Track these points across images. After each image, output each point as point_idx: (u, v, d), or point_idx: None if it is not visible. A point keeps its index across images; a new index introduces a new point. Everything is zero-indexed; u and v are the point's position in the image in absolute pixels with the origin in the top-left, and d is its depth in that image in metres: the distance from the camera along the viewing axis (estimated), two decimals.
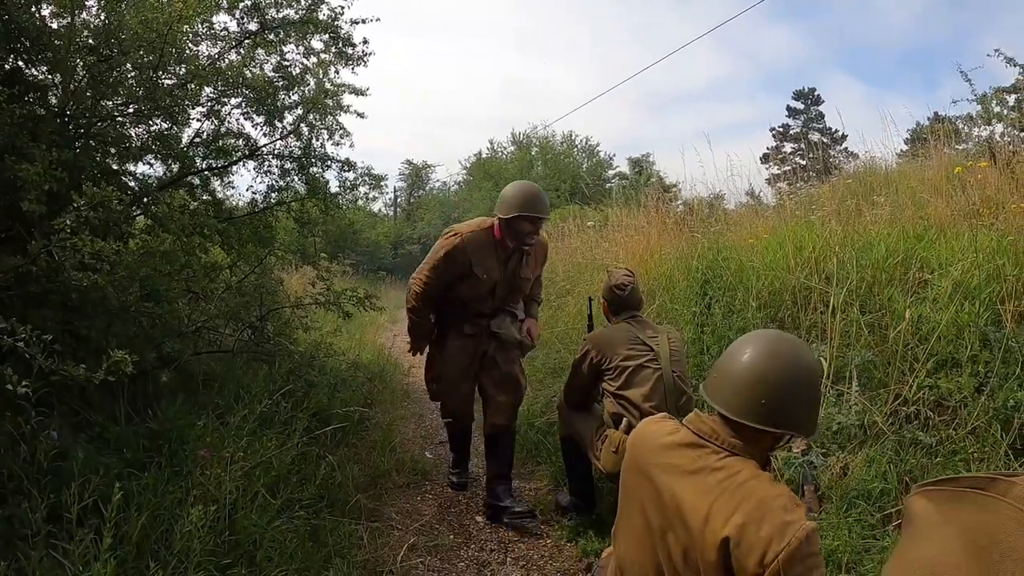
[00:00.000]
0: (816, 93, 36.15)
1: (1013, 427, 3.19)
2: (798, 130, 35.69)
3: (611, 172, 27.76)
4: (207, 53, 4.88)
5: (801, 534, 1.36)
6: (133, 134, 4.35)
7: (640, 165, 24.54)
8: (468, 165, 29.91)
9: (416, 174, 38.65)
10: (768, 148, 34.02)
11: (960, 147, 6.91)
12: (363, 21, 5.56)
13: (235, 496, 2.76)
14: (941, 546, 0.52)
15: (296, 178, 5.66)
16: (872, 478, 3.26)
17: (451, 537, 3.59)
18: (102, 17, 3.93)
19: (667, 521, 1.51)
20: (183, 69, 4.34)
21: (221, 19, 4.95)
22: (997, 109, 8.75)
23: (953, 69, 8.82)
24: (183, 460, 2.87)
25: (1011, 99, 9.32)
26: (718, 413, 1.59)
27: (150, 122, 4.41)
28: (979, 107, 8.85)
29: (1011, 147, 5.67)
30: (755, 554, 1.36)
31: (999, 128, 8.23)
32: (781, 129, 35.61)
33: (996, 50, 7.88)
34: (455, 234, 3.69)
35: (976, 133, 8.31)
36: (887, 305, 4.16)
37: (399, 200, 39.23)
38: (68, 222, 2.73)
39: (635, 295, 3.42)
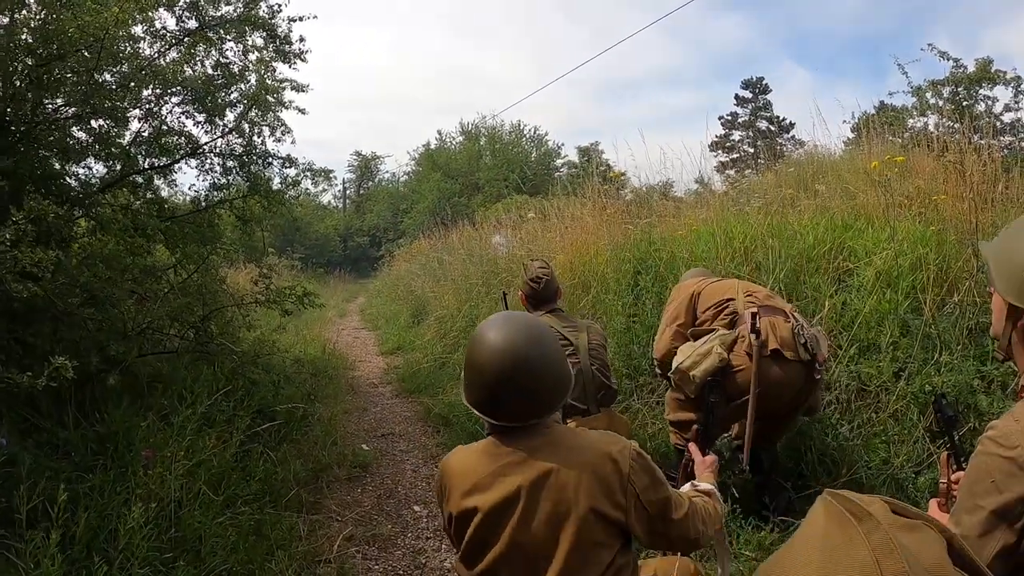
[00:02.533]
0: (764, 82, 36.85)
1: (929, 410, 3.45)
2: (746, 118, 36.37)
3: (560, 161, 28.05)
4: (147, 52, 4.94)
5: None
6: (74, 135, 4.41)
7: (589, 154, 24.80)
8: (417, 156, 29.77)
9: (365, 165, 38.40)
10: (717, 136, 34.70)
11: (897, 139, 7.22)
12: (300, 19, 5.68)
13: (179, 494, 2.93)
14: (806, 559, 0.61)
15: (238, 176, 5.75)
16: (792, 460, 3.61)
17: (389, 527, 3.79)
18: (40, 16, 3.96)
19: None
20: (124, 67, 4.41)
21: (160, 14, 5.01)
22: (932, 100, 9.23)
23: (901, 58, 9.26)
24: (129, 461, 3.02)
25: (946, 91, 9.83)
26: None
27: (91, 123, 4.46)
28: (915, 99, 9.35)
29: (945, 138, 5.96)
30: None
31: (933, 120, 8.71)
32: (729, 117, 36.26)
33: (929, 44, 8.33)
34: None
35: (912, 124, 8.78)
36: (812, 294, 4.41)
37: (348, 192, 38.99)
38: (8, 235, 2.85)
39: (551, 288, 3.43)
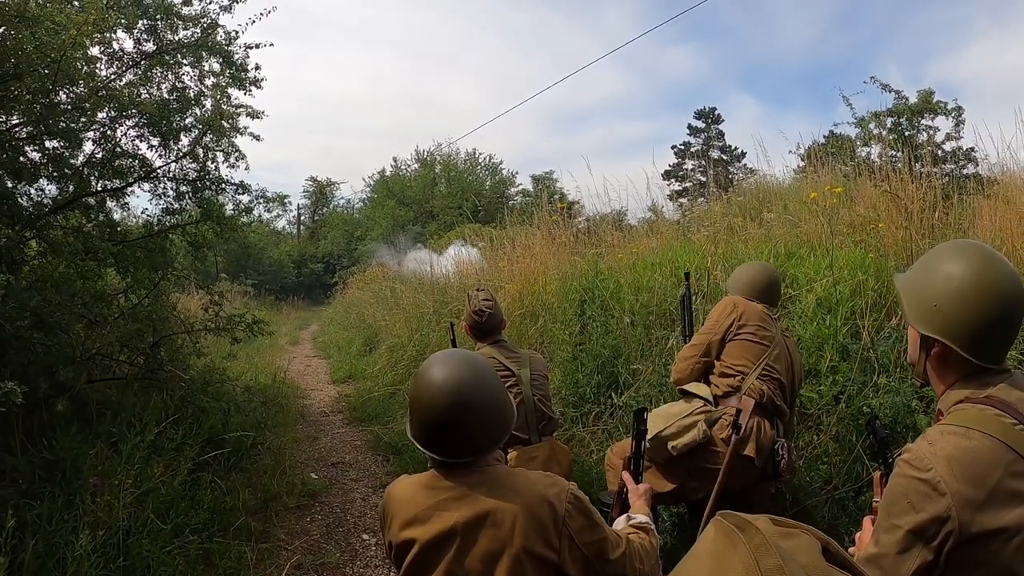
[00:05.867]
0: (716, 112, 37.96)
1: (867, 432, 3.62)
2: (699, 148, 37.25)
3: (514, 190, 28.33)
4: (104, 74, 4.94)
5: None
6: (28, 154, 4.37)
7: (543, 182, 25.10)
8: (372, 183, 29.67)
9: (320, 191, 38.14)
10: (670, 165, 35.58)
11: (844, 168, 7.47)
12: (256, 46, 5.75)
13: (127, 523, 2.91)
14: (696, 570, 0.65)
15: (190, 201, 5.73)
16: None
17: (337, 555, 3.80)
18: None
19: None
20: (81, 88, 4.39)
21: (120, 36, 5.02)
22: (876, 131, 9.61)
23: (848, 89, 9.58)
24: (77, 489, 2.99)
25: (888, 122, 10.24)
26: None
27: (45, 143, 4.43)
28: (859, 129, 9.73)
29: (886, 167, 6.16)
30: None
31: (876, 150, 9.07)
32: (683, 147, 37.15)
33: (872, 77, 8.67)
34: None
35: (859, 153, 9.13)
36: None
37: (303, 218, 38.66)
38: None
39: (494, 320, 3.43)
